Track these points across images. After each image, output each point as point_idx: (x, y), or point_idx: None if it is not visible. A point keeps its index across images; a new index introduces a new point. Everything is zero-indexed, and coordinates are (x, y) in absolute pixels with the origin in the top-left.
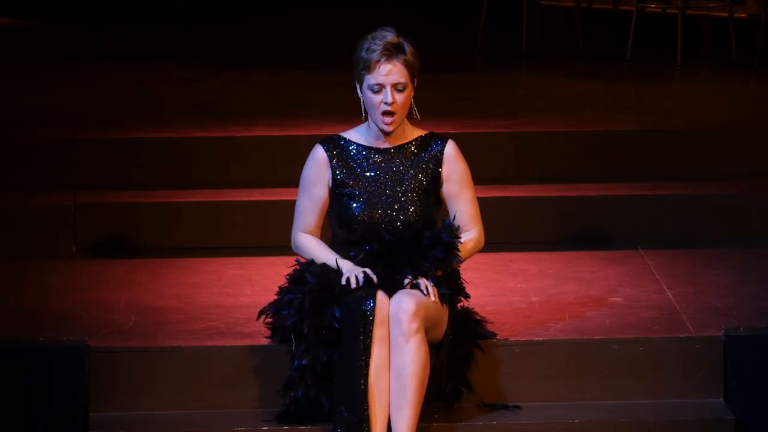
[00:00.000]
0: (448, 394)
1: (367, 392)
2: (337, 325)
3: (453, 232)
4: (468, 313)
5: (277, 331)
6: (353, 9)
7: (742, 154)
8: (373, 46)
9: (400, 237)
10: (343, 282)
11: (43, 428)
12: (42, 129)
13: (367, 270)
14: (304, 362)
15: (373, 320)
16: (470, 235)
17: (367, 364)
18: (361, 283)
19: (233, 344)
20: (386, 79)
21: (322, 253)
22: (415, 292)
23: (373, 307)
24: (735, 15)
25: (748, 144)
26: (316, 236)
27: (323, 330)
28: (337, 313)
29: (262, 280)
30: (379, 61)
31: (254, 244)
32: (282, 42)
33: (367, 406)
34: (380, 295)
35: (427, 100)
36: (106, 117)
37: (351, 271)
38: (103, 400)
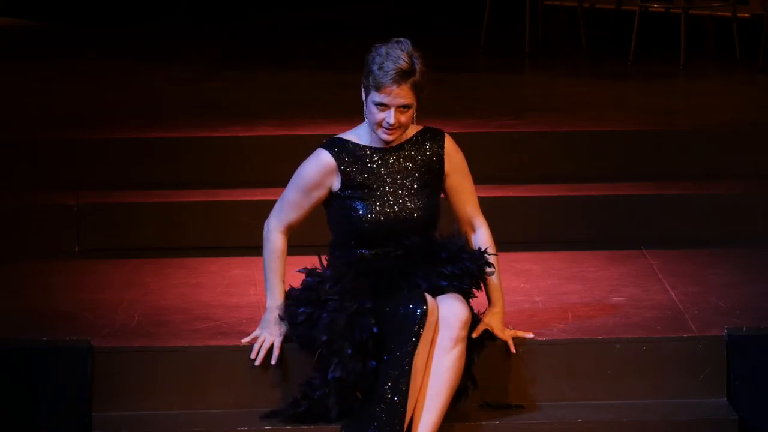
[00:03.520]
0: (458, 391)
1: (408, 396)
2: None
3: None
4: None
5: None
6: (353, 9)
7: (746, 154)
8: (386, 67)
9: (420, 248)
10: (245, 340)
11: (46, 428)
12: (44, 129)
13: (276, 342)
14: (337, 375)
15: (423, 325)
16: (485, 239)
17: (410, 369)
18: (258, 361)
19: (236, 344)
20: (392, 101)
21: (272, 274)
22: (462, 297)
23: (425, 311)
24: (738, 15)
25: (751, 144)
26: (290, 234)
27: (360, 343)
28: (375, 329)
29: None
30: (389, 86)
31: (257, 243)
32: (282, 42)
33: (405, 408)
34: (430, 300)
35: (430, 99)
36: (109, 117)
37: (261, 334)
38: (106, 399)
